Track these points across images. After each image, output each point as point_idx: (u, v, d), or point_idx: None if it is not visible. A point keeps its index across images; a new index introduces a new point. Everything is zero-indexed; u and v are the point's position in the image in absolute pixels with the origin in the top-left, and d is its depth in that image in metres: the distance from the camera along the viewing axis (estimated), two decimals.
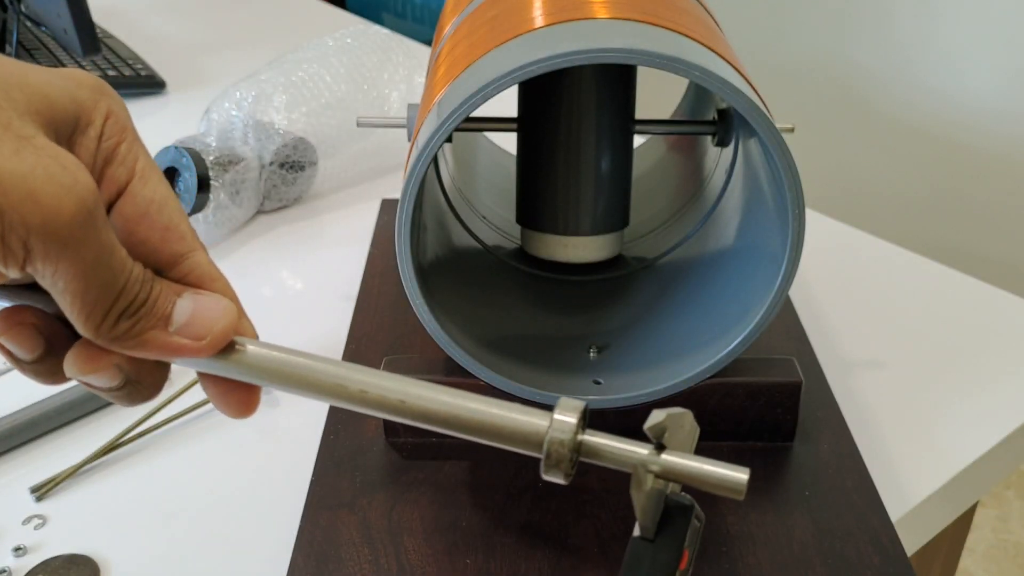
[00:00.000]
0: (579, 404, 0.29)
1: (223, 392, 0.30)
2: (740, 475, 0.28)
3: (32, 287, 0.28)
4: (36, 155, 0.24)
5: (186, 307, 0.28)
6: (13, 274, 0.24)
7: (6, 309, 0.28)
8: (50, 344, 0.28)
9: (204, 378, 0.30)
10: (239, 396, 0.29)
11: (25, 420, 0.61)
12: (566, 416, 0.29)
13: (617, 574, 0.50)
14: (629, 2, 0.52)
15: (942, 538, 0.69)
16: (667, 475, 0.29)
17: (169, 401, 0.63)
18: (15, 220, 0.23)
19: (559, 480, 0.29)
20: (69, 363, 0.28)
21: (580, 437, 0.29)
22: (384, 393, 0.29)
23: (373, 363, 0.61)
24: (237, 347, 0.29)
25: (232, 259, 0.83)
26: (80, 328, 0.26)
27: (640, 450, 0.29)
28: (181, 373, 0.67)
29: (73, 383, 0.28)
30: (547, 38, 0.48)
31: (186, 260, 0.29)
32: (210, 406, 0.64)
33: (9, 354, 0.29)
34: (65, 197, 0.24)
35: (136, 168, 0.28)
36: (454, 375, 0.55)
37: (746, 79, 0.50)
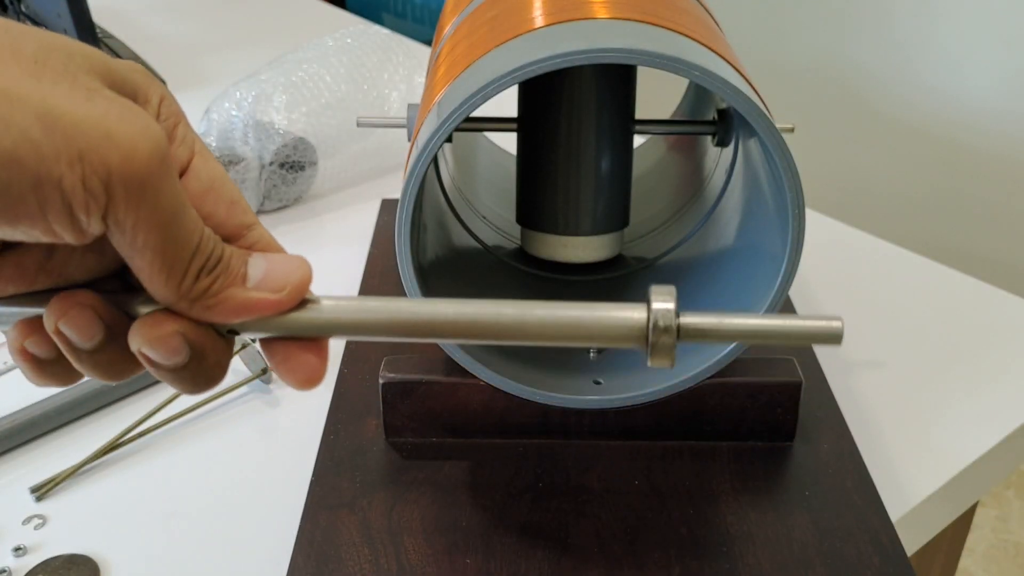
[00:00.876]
0: (670, 288, 0.29)
1: (291, 357, 0.28)
2: (835, 323, 0.29)
3: (43, 295, 0.27)
4: (107, 101, 0.24)
5: (260, 264, 0.27)
6: (94, 228, 0.24)
7: (61, 292, 0.26)
8: (109, 329, 0.27)
9: (271, 347, 0.29)
10: (307, 359, 0.28)
11: (25, 420, 0.61)
12: (664, 303, 0.29)
13: (617, 574, 0.50)
14: (629, 2, 0.52)
15: (942, 538, 0.69)
16: (769, 337, 0.29)
17: (169, 401, 0.63)
18: (95, 160, 0.22)
19: (667, 365, 0.29)
20: (135, 332, 0.26)
21: (680, 321, 0.29)
22: (476, 317, 0.28)
23: (373, 363, 0.61)
24: (310, 302, 0.28)
25: None
26: (160, 288, 0.26)
27: (740, 319, 0.29)
28: None
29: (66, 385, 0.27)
30: (547, 38, 0.48)
31: (251, 232, 0.29)
32: (210, 406, 0.64)
33: (67, 343, 0.26)
34: (140, 138, 0.23)
35: (195, 147, 0.28)
36: (454, 375, 0.55)
37: (746, 79, 0.50)
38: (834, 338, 0.29)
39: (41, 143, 0.22)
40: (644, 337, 0.29)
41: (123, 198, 0.23)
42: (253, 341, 0.65)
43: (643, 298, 0.29)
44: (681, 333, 0.29)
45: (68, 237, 0.24)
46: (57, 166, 0.22)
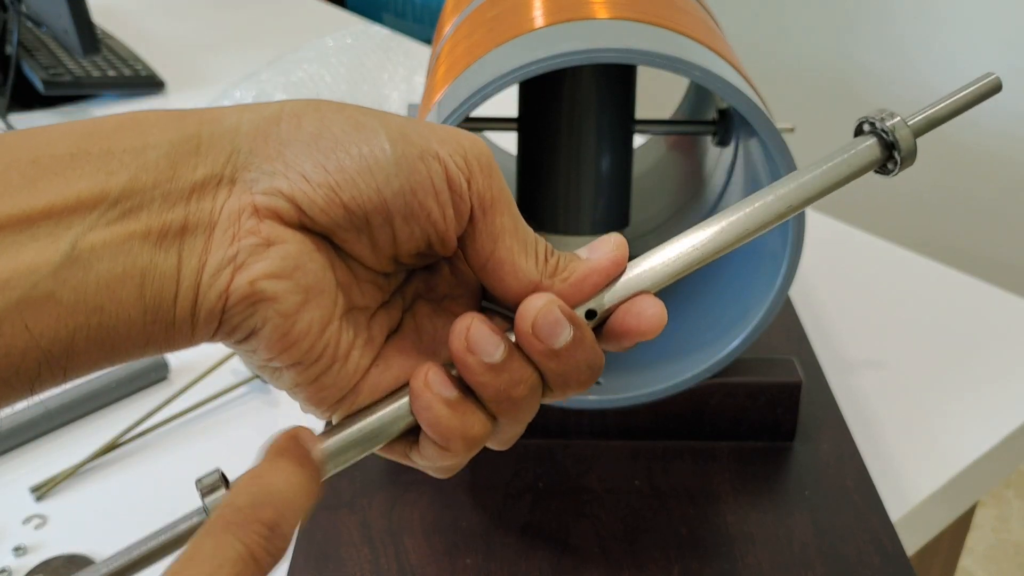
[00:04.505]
0: (885, 111, 0.30)
1: (633, 310, 0.29)
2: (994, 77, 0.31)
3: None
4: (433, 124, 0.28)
5: (579, 250, 0.29)
6: (464, 201, 0.26)
7: (459, 320, 0.27)
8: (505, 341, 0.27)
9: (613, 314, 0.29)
10: (648, 303, 0.29)
11: (25, 420, 0.61)
12: (892, 119, 0.30)
13: (617, 574, 0.50)
14: (629, 2, 0.52)
15: (942, 538, 0.69)
16: (937, 120, 0.31)
17: (169, 401, 0.63)
18: (453, 144, 0.26)
19: (898, 169, 0.30)
20: (523, 310, 0.27)
21: (910, 123, 0.30)
22: (760, 211, 0.30)
23: None
24: (628, 265, 0.29)
25: None
26: (527, 268, 0.27)
27: (950, 100, 0.31)
28: (180, 373, 0.67)
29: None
30: (547, 38, 0.48)
31: None
32: (210, 406, 0.64)
33: (470, 367, 0.27)
34: (472, 136, 0.27)
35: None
36: None
37: (746, 79, 0.50)
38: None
39: (416, 128, 0.27)
40: (880, 160, 0.30)
41: (478, 170, 0.27)
42: None
43: (858, 132, 0.30)
44: (916, 131, 0.30)
45: (449, 215, 0.26)
46: (431, 144, 0.26)
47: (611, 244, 0.29)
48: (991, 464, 0.62)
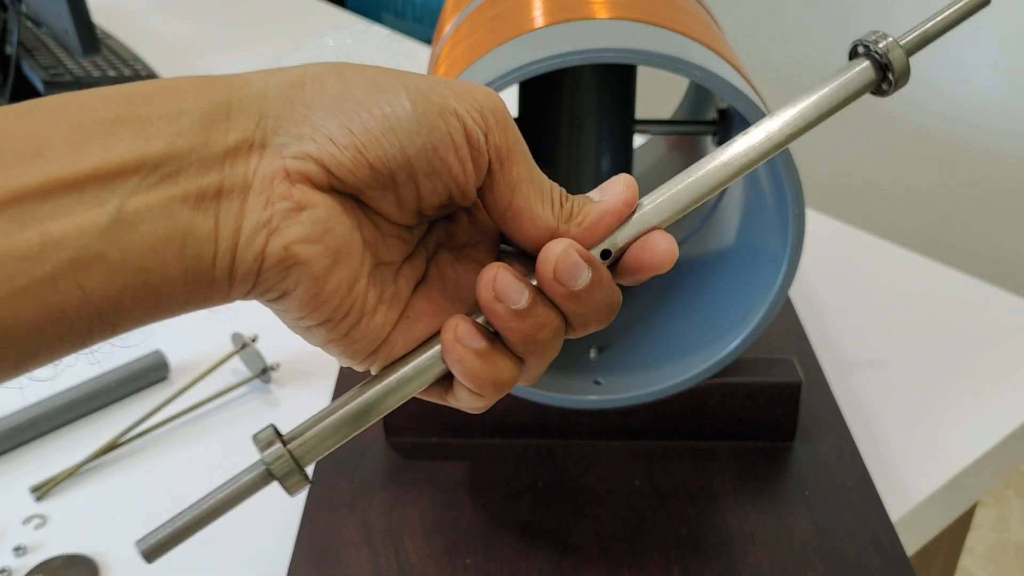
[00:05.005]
0: (878, 32, 0.31)
1: (645, 245, 0.30)
2: None
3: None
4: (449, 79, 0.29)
5: (591, 193, 0.30)
6: (483, 155, 0.28)
7: (491, 266, 0.28)
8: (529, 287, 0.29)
9: (621, 261, 0.30)
10: (659, 239, 0.30)
11: (25, 420, 0.61)
12: (884, 40, 0.30)
13: (617, 574, 0.50)
14: (629, 2, 0.52)
15: (942, 538, 0.69)
16: (929, 36, 0.31)
17: (169, 401, 0.63)
18: (468, 98, 0.28)
19: (892, 89, 0.31)
20: (544, 257, 0.28)
21: (903, 42, 0.31)
22: (748, 151, 0.31)
23: None
24: (638, 204, 0.30)
25: None
26: (544, 215, 0.29)
27: (938, 17, 0.31)
28: (180, 373, 0.67)
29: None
30: (547, 38, 0.48)
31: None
32: (210, 406, 0.64)
33: (498, 314, 0.28)
34: (486, 89, 0.28)
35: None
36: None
37: (746, 79, 0.50)
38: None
39: (434, 87, 0.27)
40: (880, 78, 0.31)
41: (495, 123, 0.28)
42: (252, 342, 0.65)
43: (852, 55, 0.31)
44: (908, 50, 0.30)
45: (468, 169, 0.28)
46: (448, 101, 0.27)
47: (621, 184, 0.30)
48: (991, 464, 0.62)
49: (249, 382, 0.66)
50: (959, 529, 0.73)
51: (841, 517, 0.53)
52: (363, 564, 0.50)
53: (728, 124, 0.64)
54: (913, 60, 0.31)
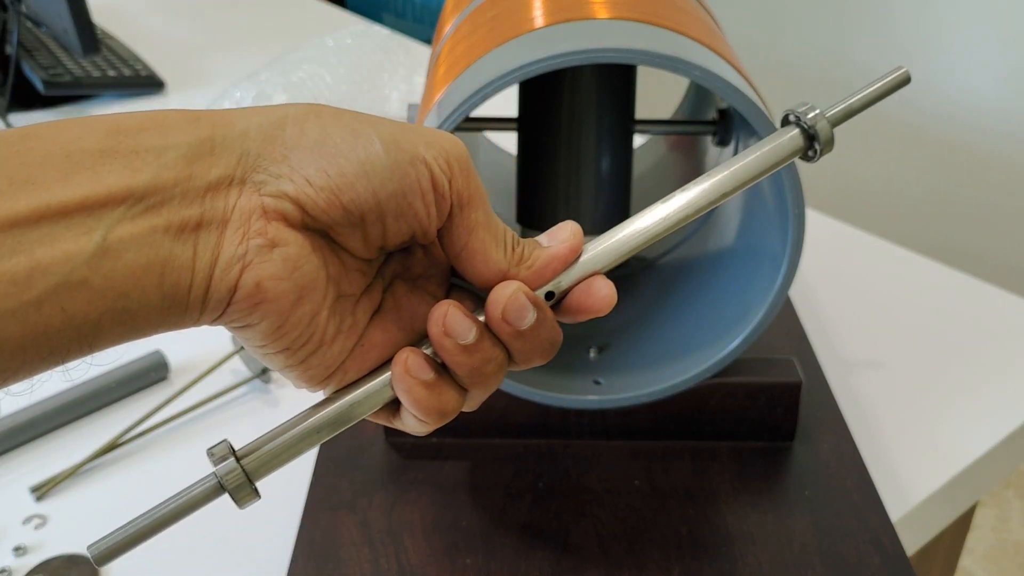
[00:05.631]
0: (807, 104, 0.33)
1: (588, 291, 0.32)
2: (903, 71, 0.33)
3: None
4: (415, 127, 0.30)
5: (540, 237, 0.33)
6: (446, 200, 0.30)
7: (437, 304, 0.30)
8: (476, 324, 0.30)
9: (563, 302, 0.32)
10: (600, 285, 0.32)
11: (25, 420, 0.61)
12: (812, 112, 0.32)
13: (617, 574, 0.50)
14: (629, 2, 0.52)
15: (942, 538, 0.69)
16: (852, 111, 0.33)
17: (169, 401, 0.63)
18: (436, 146, 0.29)
19: (817, 156, 0.33)
20: (493, 298, 0.30)
21: (828, 114, 0.32)
22: (688, 204, 0.32)
23: None
24: (582, 249, 0.32)
25: None
26: (497, 258, 0.31)
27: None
28: (180, 373, 0.67)
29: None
30: (547, 38, 0.48)
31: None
32: (210, 406, 0.64)
33: (446, 348, 0.30)
34: (452, 138, 0.30)
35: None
36: None
37: (746, 79, 0.50)
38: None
39: (405, 135, 0.29)
40: (807, 146, 0.33)
41: (459, 171, 0.30)
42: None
43: (783, 124, 0.33)
44: (833, 122, 0.32)
45: (432, 213, 0.29)
46: (418, 149, 0.29)
47: (568, 231, 0.32)
48: (991, 464, 0.62)
49: (249, 382, 0.66)
50: (959, 529, 0.73)
51: (841, 517, 0.53)
52: (363, 564, 0.50)
53: (728, 124, 0.64)
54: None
